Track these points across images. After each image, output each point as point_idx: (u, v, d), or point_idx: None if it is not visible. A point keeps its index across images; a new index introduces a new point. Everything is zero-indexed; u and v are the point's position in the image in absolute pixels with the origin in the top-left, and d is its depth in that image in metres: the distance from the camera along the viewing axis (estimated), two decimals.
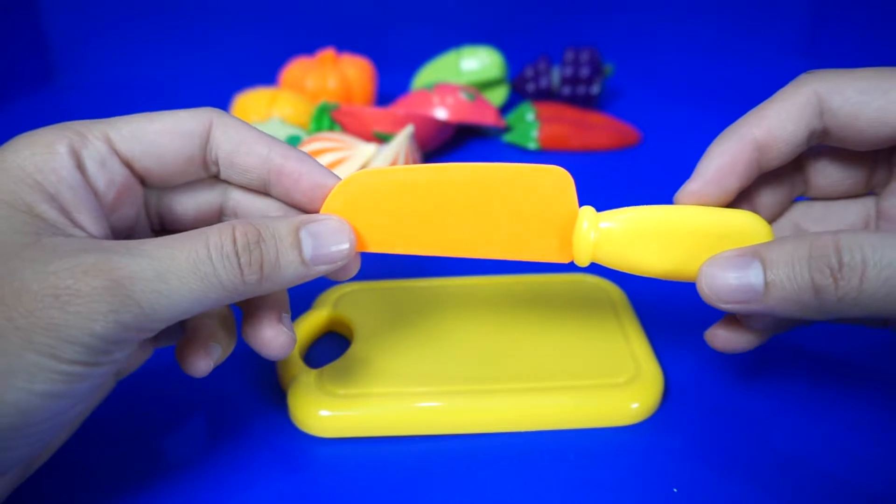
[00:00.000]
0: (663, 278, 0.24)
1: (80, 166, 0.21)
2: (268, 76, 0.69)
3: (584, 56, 0.62)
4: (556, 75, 0.63)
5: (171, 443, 0.27)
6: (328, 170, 0.25)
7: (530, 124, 0.56)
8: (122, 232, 0.24)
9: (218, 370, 0.30)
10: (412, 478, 0.25)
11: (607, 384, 0.27)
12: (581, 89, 0.62)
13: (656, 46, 0.80)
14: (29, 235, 0.20)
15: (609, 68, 0.63)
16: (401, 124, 0.49)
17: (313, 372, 0.28)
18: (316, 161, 0.25)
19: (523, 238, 0.24)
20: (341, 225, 0.23)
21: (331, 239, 0.23)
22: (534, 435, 0.27)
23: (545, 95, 0.63)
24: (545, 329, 0.31)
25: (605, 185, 0.50)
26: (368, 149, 0.43)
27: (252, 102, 0.55)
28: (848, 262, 0.19)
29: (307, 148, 0.43)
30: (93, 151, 0.22)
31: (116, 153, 0.23)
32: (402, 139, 0.42)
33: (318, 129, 0.51)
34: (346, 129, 0.51)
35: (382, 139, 0.49)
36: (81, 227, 0.21)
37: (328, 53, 0.61)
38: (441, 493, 0.24)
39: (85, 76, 0.78)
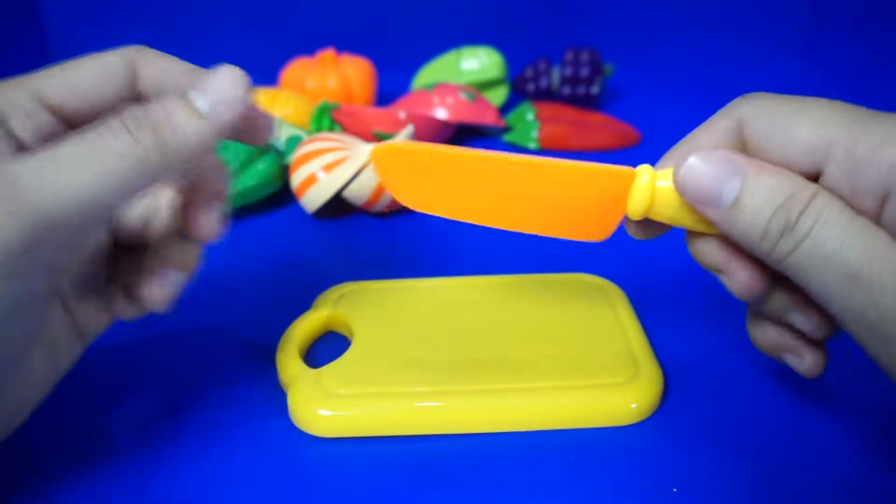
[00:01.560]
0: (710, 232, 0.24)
1: (2, 121, 0.21)
2: (268, 76, 0.69)
3: (584, 56, 0.62)
4: (556, 75, 0.63)
5: (170, 442, 0.27)
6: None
7: (530, 124, 0.56)
8: None
9: (218, 370, 0.30)
10: (412, 478, 0.25)
11: (606, 384, 0.27)
12: (581, 89, 0.62)
13: (656, 46, 0.80)
14: None
15: (609, 68, 0.63)
16: (401, 124, 0.49)
17: (313, 372, 0.28)
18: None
19: (568, 217, 0.25)
20: (231, 70, 0.23)
21: (223, 87, 0.22)
22: (533, 435, 0.27)
23: (545, 95, 0.63)
24: (544, 329, 0.31)
25: None
26: (369, 149, 0.43)
27: None
28: (798, 226, 0.20)
29: (307, 148, 0.43)
30: (18, 106, 0.22)
31: (45, 103, 0.22)
32: (403, 139, 0.42)
33: (319, 129, 0.51)
34: (346, 129, 0.51)
35: (382, 139, 0.49)
36: None
37: (328, 53, 0.61)
38: (441, 493, 0.24)
39: None
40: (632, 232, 0.26)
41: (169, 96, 0.22)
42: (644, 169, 0.24)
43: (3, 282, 0.19)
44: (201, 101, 0.22)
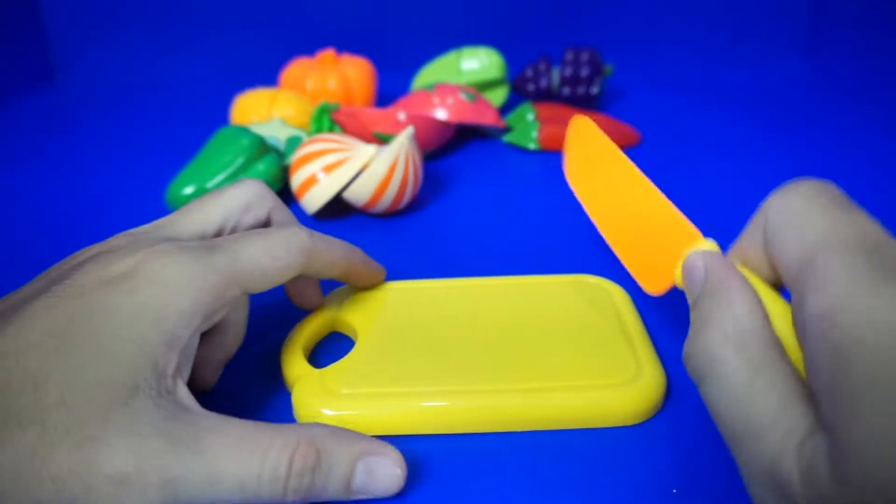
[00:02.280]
0: None
1: (209, 317, 0.24)
2: (268, 77, 0.69)
3: (584, 56, 0.62)
4: (556, 76, 0.63)
5: None
6: (381, 266, 0.34)
7: (530, 125, 0.56)
8: None
9: (223, 369, 0.30)
10: (413, 477, 0.25)
11: (609, 384, 0.27)
12: (581, 89, 0.62)
13: (656, 46, 0.80)
14: (129, 390, 0.21)
15: (609, 68, 0.63)
16: (401, 125, 0.49)
17: (317, 371, 0.28)
18: (373, 261, 0.33)
19: (643, 249, 0.27)
20: (398, 467, 0.24)
21: (384, 476, 0.23)
22: (535, 435, 0.27)
23: (545, 96, 0.63)
24: (547, 329, 0.31)
25: None
26: (369, 150, 0.43)
27: (252, 103, 0.55)
28: (692, 366, 0.21)
29: (307, 149, 0.43)
30: (228, 304, 0.25)
31: (245, 291, 0.25)
32: (403, 140, 0.42)
33: (319, 129, 0.51)
34: (345, 129, 0.51)
35: (382, 140, 0.50)
36: (178, 378, 0.23)
37: (328, 54, 0.61)
38: (442, 493, 0.25)
39: (85, 76, 0.78)
40: None
41: (344, 456, 0.23)
42: (702, 242, 0.25)
43: None
44: (360, 480, 0.23)
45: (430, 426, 0.27)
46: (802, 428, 0.17)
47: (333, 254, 0.29)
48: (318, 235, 0.28)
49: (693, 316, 0.22)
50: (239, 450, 0.21)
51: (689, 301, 0.23)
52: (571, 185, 0.31)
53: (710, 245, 0.24)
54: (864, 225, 0.18)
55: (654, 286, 0.26)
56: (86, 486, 0.19)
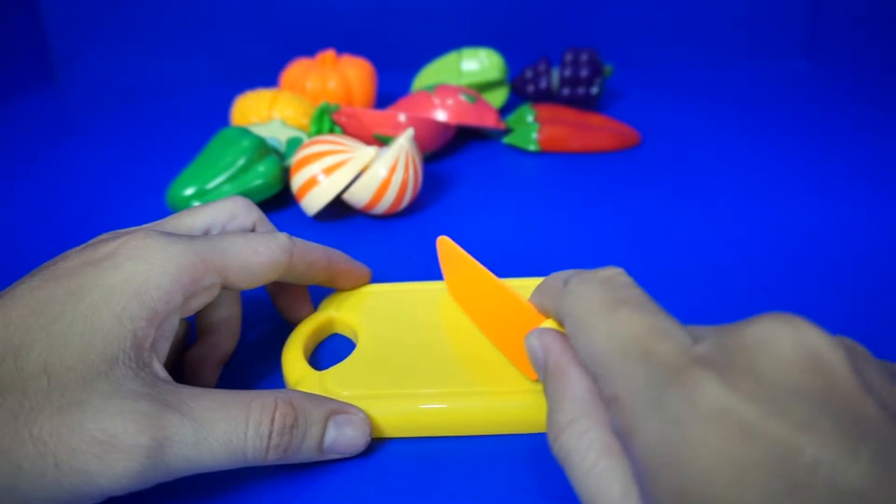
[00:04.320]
0: None
1: (189, 297, 0.25)
2: (268, 77, 0.69)
3: (584, 57, 0.62)
4: (555, 76, 0.63)
5: None
6: (365, 266, 0.34)
7: (530, 126, 0.56)
8: None
9: (223, 371, 0.30)
10: (415, 479, 0.25)
11: None
12: (581, 90, 0.62)
13: (656, 47, 0.81)
14: (108, 361, 0.21)
15: (609, 69, 0.64)
16: (401, 127, 0.49)
17: (317, 373, 0.28)
18: (355, 261, 0.33)
19: (515, 345, 0.27)
20: (365, 425, 0.26)
21: (352, 435, 0.25)
22: (535, 437, 0.27)
23: (545, 97, 0.63)
24: None
25: (605, 186, 0.50)
26: (369, 151, 0.43)
27: (252, 104, 0.55)
28: (555, 447, 0.21)
29: (308, 150, 0.43)
30: (207, 290, 0.25)
31: (225, 283, 0.26)
32: (403, 142, 0.42)
33: (319, 130, 0.51)
34: (346, 130, 0.51)
35: (383, 141, 0.50)
36: (154, 353, 0.23)
37: (328, 54, 0.61)
38: (442, 495, 0.25)
39: (85, 76, 0.78)
40: None
41: (317, 414, 0.24)
42: (545, 323, 0.25)
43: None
44: (330, 438, 0.25)
45: (431, 429, 0.27)
46: None
47: (314, 253, 0.30)
48: (298, 238, 0.29)
49: (546, 400, 0.23)
50: (223, 411, 0.22)
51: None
52: (454, 298, 0.33)
53: (549, 323, 0.25)
54: (637, 326, 0.20)
55: (531, 373, 0.27)
56: (69, 447, 0.19)
